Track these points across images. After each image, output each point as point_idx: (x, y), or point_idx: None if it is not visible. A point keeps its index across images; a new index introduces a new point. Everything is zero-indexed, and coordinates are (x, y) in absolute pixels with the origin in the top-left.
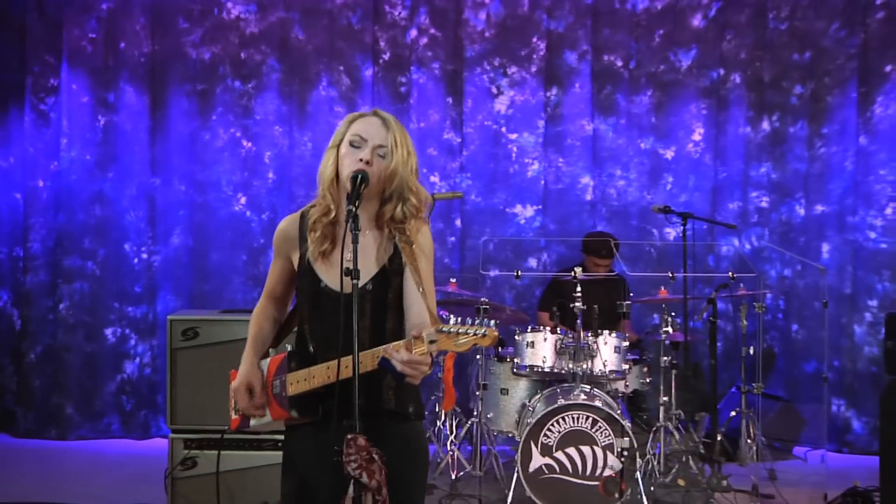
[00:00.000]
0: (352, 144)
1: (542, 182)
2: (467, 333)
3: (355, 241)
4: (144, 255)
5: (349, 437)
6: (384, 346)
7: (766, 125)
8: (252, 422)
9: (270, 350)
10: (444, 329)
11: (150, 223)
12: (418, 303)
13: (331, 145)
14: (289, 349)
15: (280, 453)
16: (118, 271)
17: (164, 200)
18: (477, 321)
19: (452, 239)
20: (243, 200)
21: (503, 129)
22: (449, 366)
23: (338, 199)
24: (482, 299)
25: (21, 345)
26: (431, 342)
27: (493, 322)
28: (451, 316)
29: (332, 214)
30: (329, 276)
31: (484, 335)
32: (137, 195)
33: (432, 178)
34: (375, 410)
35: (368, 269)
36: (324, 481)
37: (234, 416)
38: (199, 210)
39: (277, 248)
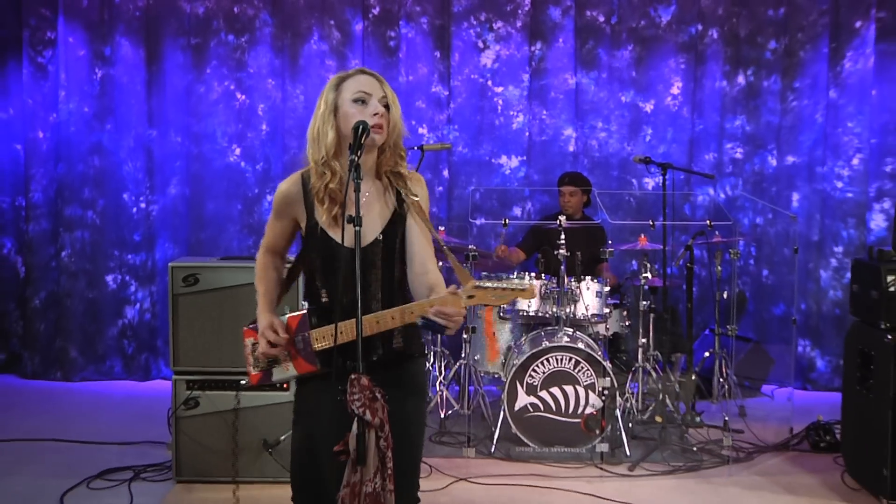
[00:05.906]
0: (357, 101)
1: (527, 134)
2: (507, 288)
3: (357, 191)
4: (143, 205)
5: (353, 377)
6: (420, 302)
7: (741, 79)
8: (275, 375)
9: (287, 308)
10: (482, 285)
11: (147, 174)
12: (419, 252)
13: (325, 112)
14: (306, 306)
15: (278, 393)
16: (117, 220)
17: (161, 151)
18: (514, 276)
19: (440, 188)
20: (238, 151)
21: (489, 83)
22: (489, 318)
23: (344, 164)
24: (470, 246)
25: (25, 291)
26: (469, 297)
27: (515, 274)
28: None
29: (338, 179)
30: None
31: (525, 289)
32: (135, 146)
33: (421, 130)
34: (388, 354)
35: (378, 222)
36: (334, 430)
37: (253, 372)
38: (195, 161)
39: (280, 210)
